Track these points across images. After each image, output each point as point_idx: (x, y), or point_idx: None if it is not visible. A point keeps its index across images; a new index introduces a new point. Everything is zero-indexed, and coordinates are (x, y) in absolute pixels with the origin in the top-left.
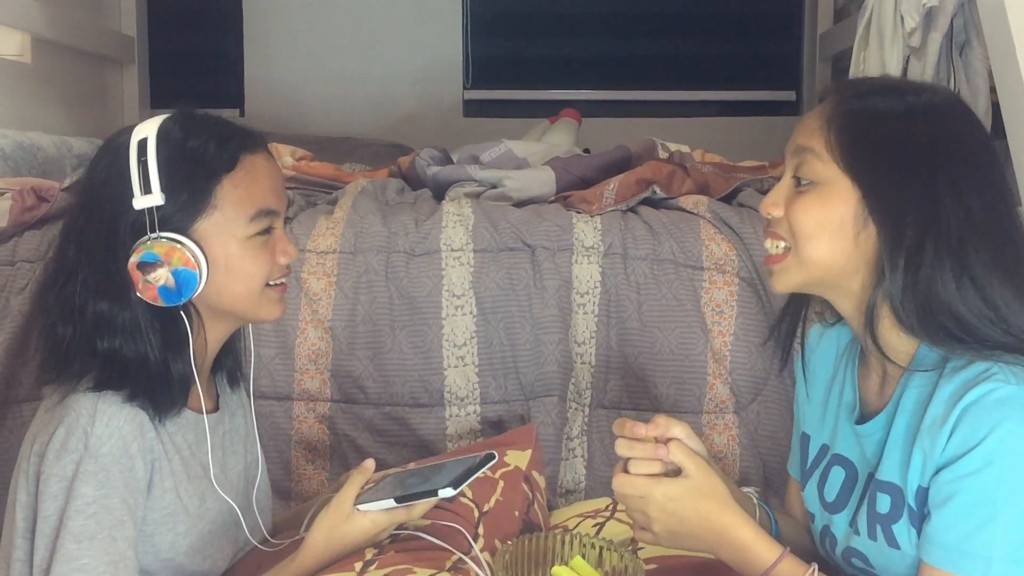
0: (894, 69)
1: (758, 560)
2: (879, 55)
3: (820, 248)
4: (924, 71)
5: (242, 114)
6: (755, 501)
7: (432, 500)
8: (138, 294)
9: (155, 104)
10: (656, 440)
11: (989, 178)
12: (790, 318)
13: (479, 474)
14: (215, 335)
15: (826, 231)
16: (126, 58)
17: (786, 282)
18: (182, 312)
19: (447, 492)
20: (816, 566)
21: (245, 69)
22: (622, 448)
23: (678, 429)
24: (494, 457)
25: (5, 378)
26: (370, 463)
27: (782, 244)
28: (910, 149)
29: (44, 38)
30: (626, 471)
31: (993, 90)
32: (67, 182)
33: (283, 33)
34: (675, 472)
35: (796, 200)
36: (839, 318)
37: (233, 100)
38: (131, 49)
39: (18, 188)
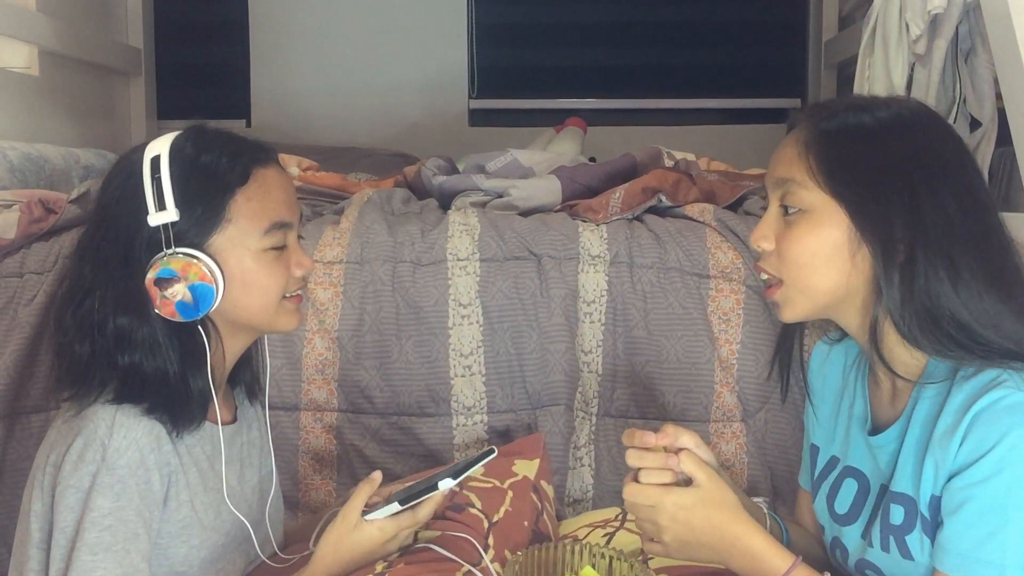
0: (899, 77)
1: (771, 569)
2: (884, 62)
3: (818, 277)
4: (929, 78)
5: (249, 125)
6: (765, 510)
7: (436, 495)
8: (156, 310)
9: (162, 116)
10: (665, 450)
11: (964, 183)
12: (786, 348)
13: (479, 466)
14: (233, 348)
15: (819, 259)
16: (133, 70)
17: (793, 314)
18: (200, 327)
19: (447, 483)
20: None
21: (252, 80)
22: (632, 458)
23: (687, 438)
24: (494, 452)
25: (13, 389)
26: (377, 475)
27: (773, 276)
28: (888, 165)
29: (51, 50)
30: (636, 481)
31: (999, 96)
32: (74, 194)
33: (289, 44)
34: (686, 483)
35: (787, 232)
36: (844, 333)
37: (240, 111)
38: (138, 61)
39: (26, 200)
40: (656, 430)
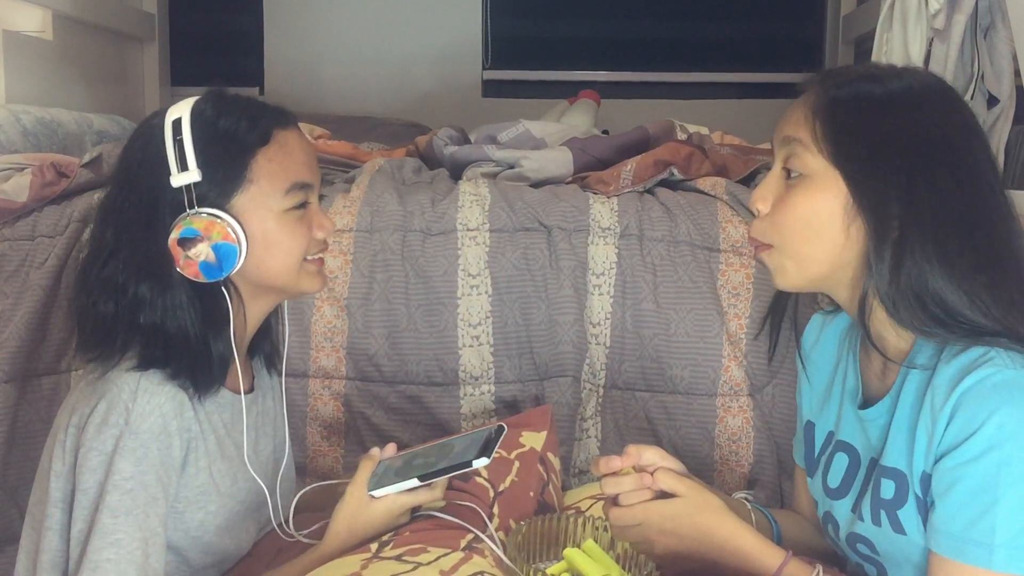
0: (917, 51)
1: (763, 568)
2: (902, 37)
3: (809, 245)
4: (948, 53)
5: (262, 93)
6: (749, 507)
7: (459, 473)
8: (179, 270)
9: (175, 82)
10: (634, 469)
11: (967, 163)
12: (777, 312)
13: (499, 444)
14: (255, 313)
15: (812, 227)
16: (147, 36)
17: (785, 281)
18: (223, 288)
19: (482, 461)
20: (820, 568)
21: (265, 48)
22: (610, 486)
23: (651, 453)
24: (505, 429)
25: (25, 352)
26: (375, 451)
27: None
28: (891, 140)
29: (66, 15)
30: (617, 505)
31: (1018, 73)
32: (86, 158)
33: (303, 12)
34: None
35: (786, 196)
36: (838, 306)
37: (253, 79)
38: (152, 27)
39: (38, 164)
40: (621, 453)
